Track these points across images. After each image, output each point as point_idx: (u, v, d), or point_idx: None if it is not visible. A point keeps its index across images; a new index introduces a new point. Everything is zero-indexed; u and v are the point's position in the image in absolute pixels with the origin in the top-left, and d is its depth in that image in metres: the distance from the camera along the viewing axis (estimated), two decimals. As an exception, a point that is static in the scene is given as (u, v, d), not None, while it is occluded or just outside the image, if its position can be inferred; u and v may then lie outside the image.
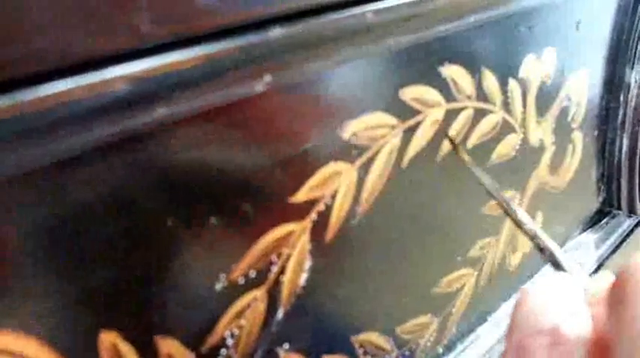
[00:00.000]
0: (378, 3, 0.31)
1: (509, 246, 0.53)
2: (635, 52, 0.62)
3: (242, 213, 0.31)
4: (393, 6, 0.32)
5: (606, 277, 0.25)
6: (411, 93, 0.37)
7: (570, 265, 0.30)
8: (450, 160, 0.42)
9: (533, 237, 0.32)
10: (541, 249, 0.32)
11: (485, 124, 0.44)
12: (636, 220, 0.70)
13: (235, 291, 0.32)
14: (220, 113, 0.28)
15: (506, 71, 0.45)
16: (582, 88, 0.57)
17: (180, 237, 0.29)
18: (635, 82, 0.62)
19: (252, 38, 0.27)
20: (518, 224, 0.34)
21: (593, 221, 0.68)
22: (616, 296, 0.22)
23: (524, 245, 0.55)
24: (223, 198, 0.30)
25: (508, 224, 0.51)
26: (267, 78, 0.28)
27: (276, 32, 0.28)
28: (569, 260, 0.30)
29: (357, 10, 0.30)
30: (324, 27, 0.29)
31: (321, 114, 0.33)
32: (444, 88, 0.40)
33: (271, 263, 0.33)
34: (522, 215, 0.34)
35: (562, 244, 0.63)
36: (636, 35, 0.62)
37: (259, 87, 0.28)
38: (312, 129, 0.33)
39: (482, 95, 0.43)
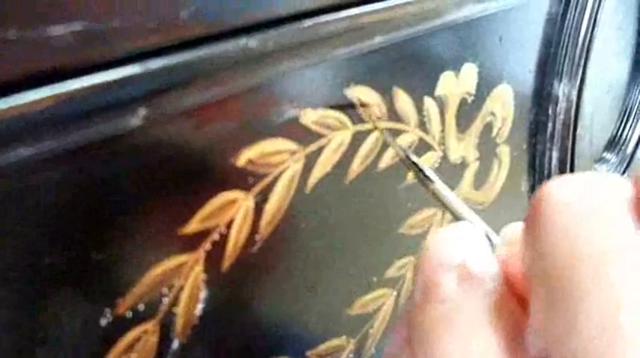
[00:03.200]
0: (265, 30, 0.30)
1: (431, 264, 0.52)
2: (563, 65, 0.62)
3: (126, 247, 0.30)
4: (280, 32, 0.31)
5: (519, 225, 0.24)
6: (313, 117, 0.36)
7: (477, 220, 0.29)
8: (361, 182, 0.41)
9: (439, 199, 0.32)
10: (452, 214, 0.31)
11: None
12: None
13: (122, 326, 0.31)
14: (95, 148, 0.27)
15: (421, 90, 0.45)
16: (508, 103, 0.56)
17: (59, 274, 0.28)
18: (564, 94, 0.62)
19: (125, 72, 0.26)
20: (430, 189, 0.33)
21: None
22: (528, 225, 0.20)
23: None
24: (104, 233, 0.29)
25: (429, 242, 0.51)
26: (143, 112, 0.27)
27: (156, 64, 0.27)
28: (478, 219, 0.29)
29: (240, 39, 0.29)
30: (205, 57, 0.28)
31: (210, 144, 0.32)
32: (351, 110, 0.39)
33: (162, 295, 0.32)
34: (433, 177, 0.34)
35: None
36: (564, 48, 0.62)
37: (135, 121, 0.27)
38: (201, 159, 0.32)
39: (394, 115, 0.42)
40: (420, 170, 0.35)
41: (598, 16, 0.62)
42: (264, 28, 0.30)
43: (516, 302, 0.21)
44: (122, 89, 0.26)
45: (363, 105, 0.39)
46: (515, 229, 0.25)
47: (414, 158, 0.37)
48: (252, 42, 0.30)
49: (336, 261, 0.42)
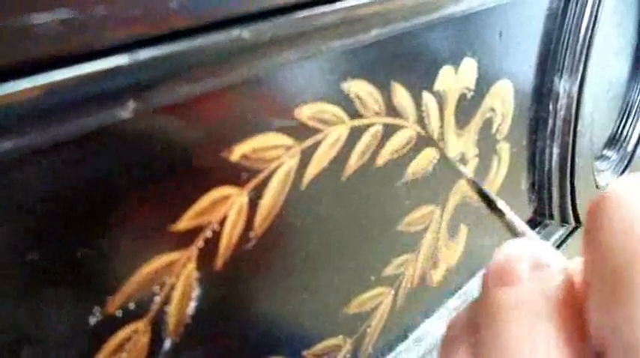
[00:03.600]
0: (259, 21, 0.29)
1: (429, 262, 0.51)
2: (564, 61, 0.61)
3: (115, 244, 0.29)
4: (275, 23, 0.30)
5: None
6: (309, 112, 0.36)
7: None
8: (358, 179, 0.41)
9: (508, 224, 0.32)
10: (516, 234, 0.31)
11: (397, 140, 0.43)
12: (569, 229, 0.70)
13: (112, 325, 0.30)
14: (82, 141, 0.26)
15: (420, 84, 0.44)
16: (508, 99, 0.56)
17: (45, 271, 0.27)
18: (565, 90, 0.62)
19: (113, 62, 0.25)
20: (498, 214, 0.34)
21: (525, 231, 0.67)
22: (589, 224, 0.21)
23: (447, 259, 0.54)
24: (92, 229, 0.28)
25: (428, 240, 0.50)
26: (132, 104, 0.26)
27: (145, 54, 0.26)
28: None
29: (233, 30, 0.28)
30: (196, 48, 0.27)
31: (202, 138, 0.31)
32: (348, 104, 0.38)
33: (153, 293, 0.31)
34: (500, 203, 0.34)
35: (491, 257, 0.62)
36: (565, 44, 0.61)
37: (125, 113, 0.26)
38: (193, 154, 0.31)
39: (392, 111, 0.41)
40: (491, 201, 0.36)
41: (599, 12, 0.62)
42: (258, 18, 0.29)
43: (581, 297, 0.22)
44: (110, 80, 0.25)
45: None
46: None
47: (488, 191, 0.37)
48: (245, 33, 0.29)
49: (333, 258, 0.42)
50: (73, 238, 0.28)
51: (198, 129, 0.31)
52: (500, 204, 0.34)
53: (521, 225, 0.32)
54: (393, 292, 0.48)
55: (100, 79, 0.25)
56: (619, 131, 0.89)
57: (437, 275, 0.53)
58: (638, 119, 0.89)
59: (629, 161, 0.87)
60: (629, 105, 0.90)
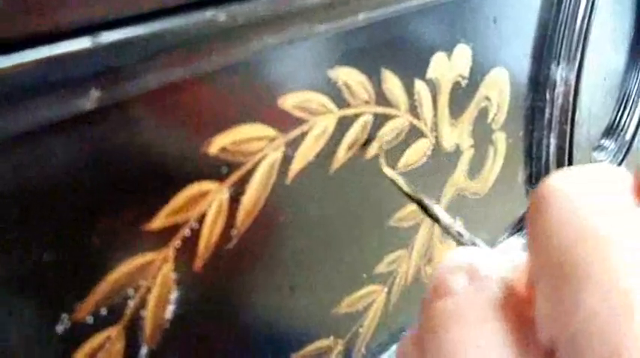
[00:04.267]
0: (234, 2, 0.27)
1: (423, 258, 0.49)
2: (561, 48, 0.59)
3: (83, 245, 0.27)
4: (253, 5, 0.28)
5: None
6: (293, 101, 0.33)
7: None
8: (347, 172, 0.38)
9: (449, 232, 0.33)
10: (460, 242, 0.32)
11: (389, 130, 0.41)
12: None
13: (83, 332, 0.28)
14: (41, 134, 0.24)
15: (412, 72, 0.42)
16: (503, 87, 0.54)
17: (5, 277, 0.25)
18: (562, 79, 0.59)
19: (72, 46, 0.23)
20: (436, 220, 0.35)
21: (520, 226, 0.65)
22: (531, 217, 0.20)
23: (442, 255, 0.52)
24: (57, 230, 0.26)
25: (421, 235, 0.48)
26: (95, 93, 0.24)
27: (108, 37, 0.24)
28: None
29: (206, 12, 0.26)
30: (166, 32, 0.25)
31: (177, 130, 0.29)
32: (335, 93, 0.36)
33: (127, 297, 0.29)
34: (437, 210, 0.35)
35: (487, 250, 0.60)
36: (562, 30, 0.59)
37: (87, 103, 0.24)
38: (167, 147, 0.29)
39: (382, 99, 0.39)
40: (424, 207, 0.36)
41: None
42: (235, 4, 0.27)
43: (522, 303, 0.21)
44: (70, 66, 0.23)
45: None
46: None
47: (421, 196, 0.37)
48: (220, 15, 0.27)
49: (321, 257, 0.39)
50: (36, 240, 0.26)
51: (171, 120, 0.28)
52: (437, 209, 0.35)
53: (457, 227, 0.33)
54: (386, 290, 0.46)
55: (58, 65, 0.22)
56: (616, 120, 0.87)
57: (432, 272, 0.51)
58: (635, 108, 0.88)
59: (627, 151, 0.85)
60: (627, 94, 0.88)
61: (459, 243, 0.32)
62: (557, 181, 0.20)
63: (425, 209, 0.36)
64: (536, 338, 0.19)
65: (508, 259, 0.25)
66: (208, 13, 0.26)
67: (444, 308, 0.22)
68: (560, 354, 0.18)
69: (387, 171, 0.39)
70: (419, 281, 0.50)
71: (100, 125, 0.26)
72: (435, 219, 0.35)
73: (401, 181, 0.38)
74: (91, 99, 0.24)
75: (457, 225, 0.33)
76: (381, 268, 0.45)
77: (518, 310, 0.21)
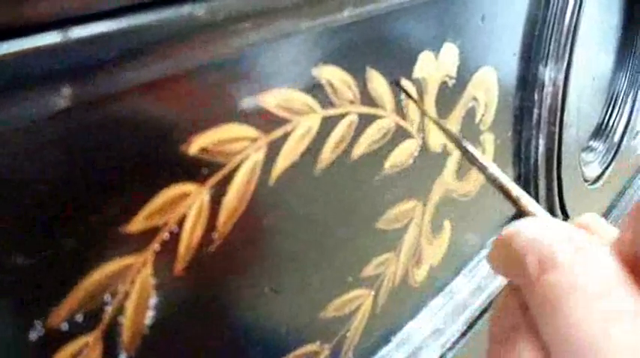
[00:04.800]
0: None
1: (412, 261, 0.49)
2: (549, 48, 0.58)
3: (57, 249, 0.26)
4: (235, 1, 0.27)
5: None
6: (276, 100, 0.33)
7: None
8: (332, 173, 0.38)
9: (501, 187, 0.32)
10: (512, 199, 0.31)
11: (374, 131, 0.40)
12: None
13: (57, 340, 0.27)
14: (11, 133, 0.23)
15: (398, 71, 0.41)
16: (491, 87, 0.53)
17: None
18: (550, 79, 0.59)
19: (42, 41, 0.22)
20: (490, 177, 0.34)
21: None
22: None
23: (431, 257, 0.51)
24: (30, 233, 0.25)
25: (409, 237, 0.47)
26: (68, 90, 0.23)
27: (79, 32, 0.23)
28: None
29: (183, 7, 0.25)
30: (142, 27, 0.24)
31: (154, 129, 0.28)
32: (319, 92, 0.35)
33: (104, 303, 0.28)
34: (493, 167, 0.34)
35: (476, 253, 0.59)
36: (550, 30, 0.58)
37: (60, 101, 0.23)
38: (144, 147, 0.28)
39: (368, 99, 0.39)
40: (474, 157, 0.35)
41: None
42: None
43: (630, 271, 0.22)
44: (40, 62, 0.22)
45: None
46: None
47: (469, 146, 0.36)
48: (198, 10, 0.26)
49: (306, 260, 0.39)
50: (8, 243, 0.25)
51: (149, 119, 0.28)
52: (493, 169, 0.34)
53: (517, 190, 0.32)
54: (373, 293, 0.45)
55: (28, 61, 0.21)
56: (605, 121, 0.87)
57: (420, 275, 0.50)
58: (624, 109, 0.88)
59: (616, 152, 0.85)
60: (615, 95, 0.88)
61: (506, 194, 0.32)
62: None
63: (471, 158, 0.35)
64: None
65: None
66: (186, 8, 0.25)
67: (560, 281, 0.21)
68: None
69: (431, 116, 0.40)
70: (407, 284, 0.49)
71: (74, 124, 0.25)
72: (482, 168, 0.34)
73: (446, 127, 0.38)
74: (64, 96, 0.23)
75: (505, 179, 0.32)
76: (368, 271, 0.44)
77: (630, 277, 0.21)
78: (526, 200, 0.31)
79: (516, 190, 0.31)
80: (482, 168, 0.34)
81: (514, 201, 0.31)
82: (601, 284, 0.21)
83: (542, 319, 0.22)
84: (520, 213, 0.31)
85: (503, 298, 0.25)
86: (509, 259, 0.24)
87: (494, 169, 0.33)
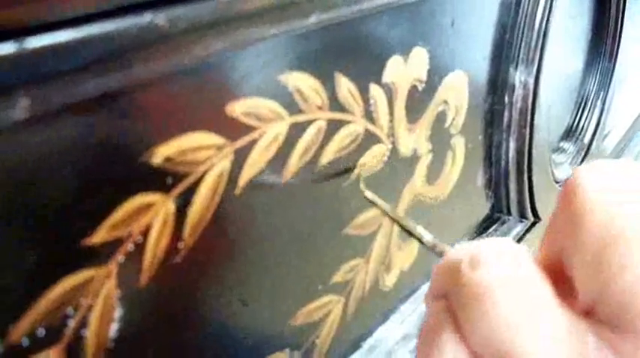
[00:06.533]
0: (174, 5, 0.25)
1: (382, 266, 0.48)
2: (519, 51, 0.59)
3: (15, 262, 0.25)
4: (194, 8, 0.26)
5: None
6: (242, 108, 0.32)
7: None
8: (300, 180, 0.37)
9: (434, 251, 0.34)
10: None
11: (343, 136, 0.40)
12: (527, 225, 0.68)
13: (17, 356, 0.26)
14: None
15: (367, 76, 0.41)
16: (461, 91, 0.53)
17: None
18: (520, 82, 0.59)
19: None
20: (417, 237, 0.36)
21: (482, 228, 0.64)
22: (565, 209, 0.23)
23: (401, 262, 0.51)
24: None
25: (379, 242, 0.47)
26: (25, 102, 0.22)
27: (35, 42, 0.22)
28: None
29: (144, 16, 0.25)
30: (101, 36, 0.24)
31: (116, 140, 0.27)
32: (286, 98, 0.35)
33: (67, 316, 0.28)
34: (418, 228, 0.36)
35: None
36: (520, 33, 0.58)
37: (16, 113, 0.22)
38: (106, 158, 0.27)
39: (336, 104, 0.38)
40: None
41: (553, 2, 0.59)
42: (173, 2, 0.26)
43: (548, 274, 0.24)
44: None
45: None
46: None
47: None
48: (159, 19, 0.25)
49: (274, 268, 0.38)
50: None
51: (111, 129, 0.27)
52: (420, 229, 0.36)
53: (442, 246, 0.34)
54: (343, 300, 0.45)
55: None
56: (575, 123, 0.87)
57: (390, 280, 0.50)
58: (594, 111, 0.88)
59: (586, 153, 0.85)
60: (585, 96, 0.88)
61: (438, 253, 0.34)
62: (588, 173, 0.23)
63: (409, 231, 0.37)
64: (571, 300, 0.22)
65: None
66: (146, 17, 0.25)
67: (484, 277, 0.23)
68: (601, 310, 0.21)
69: (368, 194, 0.41)
70: (377, 289, 0.49)
71: (32, 135, 0.24)
72: (419, 239, 0.36)
73: (381, 203, 0.41)
74: (20, 108, 0.22)
75: (442, 244, 0.34)
76: (338, 278, 0.44)
77: (549, 278, 0.23)
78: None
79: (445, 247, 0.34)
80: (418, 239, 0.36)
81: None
82: (523, 283, 0.23)
83: (463, 310, 0.23)
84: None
85: (429, 308, 0.26)
86: (447, 271, 0.25)
87: (428, 237, 0.36)
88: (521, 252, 0.24)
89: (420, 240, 0.36)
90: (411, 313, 0.53)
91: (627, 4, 0.85)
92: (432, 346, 0.24)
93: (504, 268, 0.23)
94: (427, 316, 0.26)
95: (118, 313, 0.30)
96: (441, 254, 0.33)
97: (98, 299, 0.29)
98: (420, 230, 0.36)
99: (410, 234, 0.37)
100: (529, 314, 0.22)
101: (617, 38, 0.87)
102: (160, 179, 0.29)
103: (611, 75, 0.88)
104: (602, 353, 0.21)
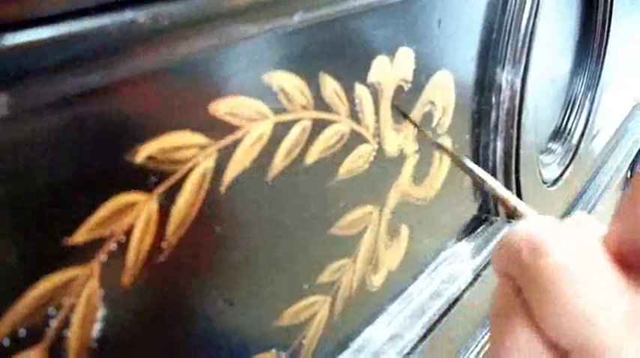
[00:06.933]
0: (155, 3, 0.25)
1: (369, 266, 0.48)
2: (506, 51, 0.59)
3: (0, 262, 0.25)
4: (176, 6, 0.26)
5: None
6: (226, 107, 0.32)
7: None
8: (286, 179, 0.37)
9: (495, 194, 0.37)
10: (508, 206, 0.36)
11: (328, 136, 0.40)
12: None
13: (-1, 356, 0.26)
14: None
15: (352, 76, 0.41)
16: (448, 91, 0.53)
17: None
18: (507, 82, 0.59)
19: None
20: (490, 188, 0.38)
21: (470, 229, 0.64)
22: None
23: (388, 262, 0.51)
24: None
25: (366, 242, 0.47)
26: (5, 98, 0.22)
27: (11, 39, 0.22)
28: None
29: (124, 13, 0.24)
30: (81, 34, 0.24)
31: (98, 138, 0.27)
32: (271, 98, 0.35)
33: (49, 317, 0.27)
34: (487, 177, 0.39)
35: (435, 257, 0.59)
36: (507, 33, 0.58)
37: (-2, 110, 0.22)
38: (88, 157, 0.27)
39: (321, 104, 0.38)
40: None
41: (540, 1, 0.59)
42: (154, 0, 0.25)
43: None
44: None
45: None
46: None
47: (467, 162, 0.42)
48: (140, 16, 0.25)
49: (260, 268, 0.38)
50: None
51: (92, 128, 0.27)
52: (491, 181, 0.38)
53: (514, 199, 0.36)
54: (329, 300, 0.45)
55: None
56: (563, 123, 0.87)
57: (377, 280, 0.50)
58: (582, 111, 0.88)
59: (574, 154, 0.85)
60: (573, 97, 0.89)
61: (507, 207, 0.36)
62: None
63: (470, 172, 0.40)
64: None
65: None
66: (127, 14, 0.24)
67: (554, 264, 0.24)
68: None
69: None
70: (364, 289, 0.49)
71: (13, 133, 0.24)
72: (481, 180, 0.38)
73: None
74: (1, 105, 0.22)
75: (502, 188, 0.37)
76: (324, 278, 0.43)
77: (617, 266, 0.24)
78: (521, 205, 0.35)
79: (513, 198, 0.36)
80: (481, 181, 0.39)
81: (510, 208, 0.35)
82: (587, 267, 0.23)
83: (534, 298, 0.24)
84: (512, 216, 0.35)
85: (499, 287, 0.28)
86: (508, 255, 0.26)
87: (491, 181, 0.38)
88: (584, 237, 0.25)
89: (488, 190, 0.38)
90: (399, 313, 0.53)
91: (615, 4, 0.85)
92: (504, 331, 0.25)
93: (569, 256, 0.24)
94: (496, 297, 0.28)
95: (100, 313, 0.29)
96: (504, 199, 0.36)
97: (80, 299, 0.28)
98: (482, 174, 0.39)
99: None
100: (604, 304, 0.22)
101: (605, 39, 0.87)
102: (143, 178, 0.29)
103: (599, 75, 0.88)
104: None
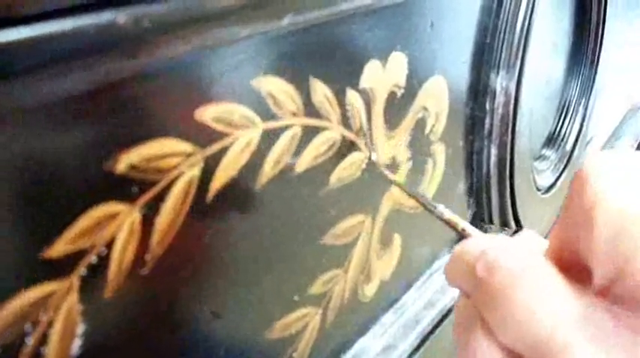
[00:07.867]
0: (136, 4, 0.24)
1: (361, 276, 0.47)
2: (500, 57, 0.58)
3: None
4: (157, 7, 0.25)
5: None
6: (213, 114, 0.31)
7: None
8: (275, 188, 0.36)
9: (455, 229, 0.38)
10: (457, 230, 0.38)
11: (319, 143, 0.38)
12: (509, 233, 0.67)
13: (-29, 375, 0.25)
14: None
15: (343, 81, 0.39)
16: (442, 96, 0.52)
17: None
18: (502, 87, 0.58)
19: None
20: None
21: (464, 237, 0.63)
22: (577, 199, 0.23)
23: (381, 272, 0.50)
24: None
25: (358, 252, 0.46)
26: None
27: None
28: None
29: (104, 14, 0.23)
30: (58, 35, 0.22)
31: (77, 146, 0.26)
32: (259, 104, 0.33)
33: (25, 333, 0.26)
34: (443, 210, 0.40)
35: (428, 266, 0.58)
36: (501, 38, 0.57)
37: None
38: (68, 165, 0.26)
39: (312, 110, 0.37)
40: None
41: (535, 6, 0.59)
42: (135, 0, 0.24)
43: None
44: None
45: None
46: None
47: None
48: (120, 17, 0.24)
49: (249, 279, 0.37)
50: None
51: (71, 135, 0.26)
52: (439, 207, 0.40)
53: (462, 223, 0.38)
54: (321, 311, 0.44)
55: None
56: (557, 129, 0.86)
57: (370, 290, 0.49)
58: (575, 117, 0.88)
59: (568, 160, 0.84)
60: (567, 103, 0.88)
61: (455, 230, 0.38)
62: (598, 163, 0.23)
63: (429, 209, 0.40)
64: (585, 286, 0.24)
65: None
66: (106, 15, 0.23)
67: (504, 276, 0.25)
68: (618, 289, 0.22)
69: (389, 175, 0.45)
70: (356, 300, 0.48)
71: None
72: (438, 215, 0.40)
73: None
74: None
75: (463, 222, 0.38)
76: (315, 289, 0.42)
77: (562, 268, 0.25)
78: (469, 227, 0.38)
79: (461, 221, 0.38)
80: (430, 210, 0.40)
81: (459, 230, 0.38)
82: (536, 278, 0.24)
83: (488, 308, 0.25)
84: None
85: (459, 307, 0.29)
86: (462, 269, 0.28)
87: (440, 208, 0.40)
88: (530, 248, 0.27)
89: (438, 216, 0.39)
90: (392, 324, 0.52)
91: (608, 9, 0.85)
92: (467, 345, 0.26)
93: (518, 269, 0.25)
94: (457, 311, 0.29)
95: (80, 329, 0.28)
96: (460, 230, 0.38)
97: (59, 315, 0.27)
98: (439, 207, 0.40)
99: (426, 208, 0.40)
100: (550, 305, 0.23)
101: (599, 44, 0.86)
102: (125, 187, 0.28)
103: (593, 81, 0.88)
104: (621, 331, 0.22)
